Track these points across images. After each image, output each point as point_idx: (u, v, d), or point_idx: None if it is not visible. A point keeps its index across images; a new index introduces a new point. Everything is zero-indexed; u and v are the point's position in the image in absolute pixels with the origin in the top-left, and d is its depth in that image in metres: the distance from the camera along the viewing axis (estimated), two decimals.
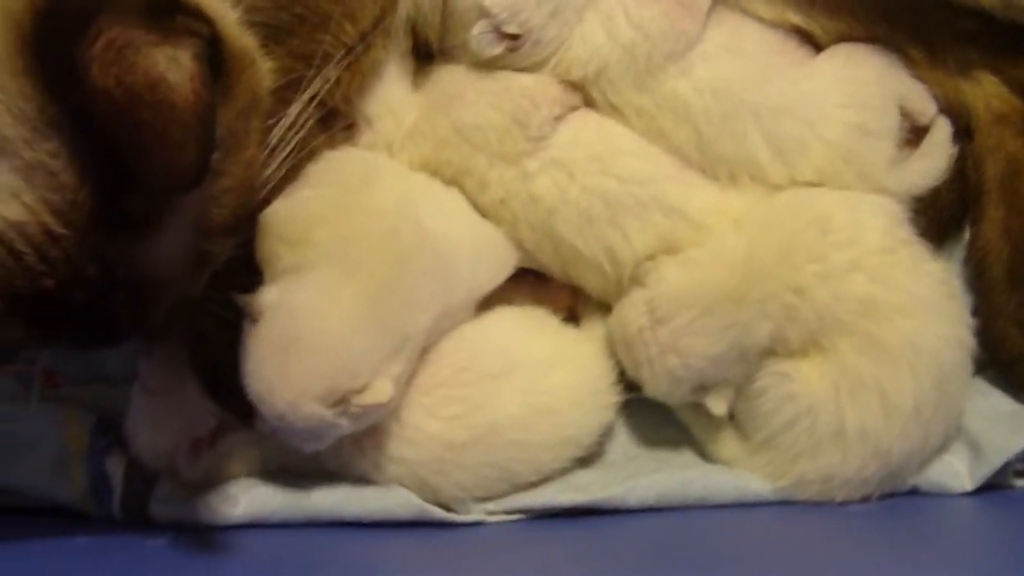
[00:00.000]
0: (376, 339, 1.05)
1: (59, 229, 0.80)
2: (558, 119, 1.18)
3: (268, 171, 1.00)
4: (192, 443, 1.14)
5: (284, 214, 1.11)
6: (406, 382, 1.10)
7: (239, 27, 0.93)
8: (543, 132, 1.17)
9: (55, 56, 0.78)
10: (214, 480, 1.17)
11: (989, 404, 1.21)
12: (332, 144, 1.16)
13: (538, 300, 1.23)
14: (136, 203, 0.82)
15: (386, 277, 1.08)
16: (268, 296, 1.06)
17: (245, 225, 0.95)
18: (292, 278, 1.07)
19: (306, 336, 1.03)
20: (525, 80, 1.19)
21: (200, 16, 0.85)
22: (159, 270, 0.87)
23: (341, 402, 1.03)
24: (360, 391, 1.03)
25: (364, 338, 1.05)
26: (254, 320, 1.05)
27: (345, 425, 1.05)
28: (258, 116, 0.94)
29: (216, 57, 0.84)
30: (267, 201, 1.08)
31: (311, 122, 1.05)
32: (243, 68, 0.90)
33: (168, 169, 0.79)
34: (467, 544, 1.14)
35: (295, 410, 1.02)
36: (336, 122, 1.16)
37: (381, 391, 1.04)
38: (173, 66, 0.77)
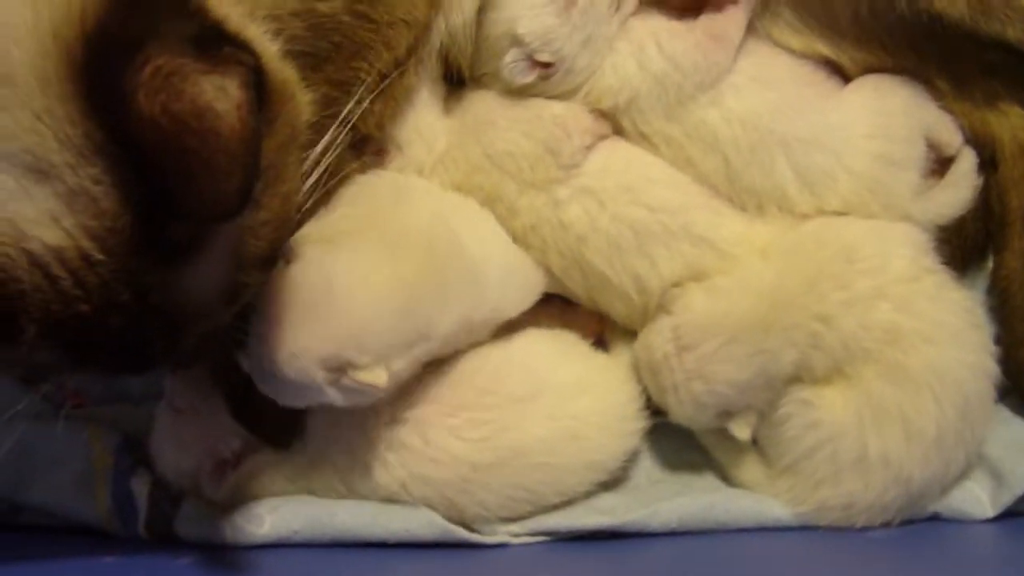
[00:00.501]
0: (396, 325, 1.05)
1: (97, 255, 0.80)
2: (589, 148, 1.18)
3: (300, 196, 1.00)
4: (216, 463, 1.15)
5: (316, 235, 1.11)
6: (402, 381, 1.10)
7: (281, 60, 0.92)
8: (575, 160, 1.17)
9: (103, 82, 0.78)
10: (239, 500, 1.16)
11: (1011, 432, 1.20)
12: (363, 169, 1.17)
13: (567, 325, 1.23)
14: (176, 232, 0.81)
15: (424, 271, 1.08)
16: (308, 250, 1.05)
17: (279, 257, 0.95)
18: (336, 242, 1.07)
19: (333, 298, 1.03)
20: (557, 108, 1.19)
21: (246, 48, 0.85)
22: (194, 299, 0.86)
23: (337, 371, 1.03)
24: (359, 368, 1.03)
25: (386, 320, 1.05)
26: (288, 261, 1.04)
27: (330, 395, 1.04)
28: (297, 149, 0.94)
29: (259, 90, 0.84)
30: (299, 225, 1.08)
31: (343, 148, 1.05)
32: (285, 101, 0.90)
33: (213, 197, 0.78)
34: (492, 566, 1.14)
35: (292, 363, 1.02)
36: (368, 148, 1.16)
37: (378, 375, 1.03)
38: (220, 95, 0.77)
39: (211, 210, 0.80)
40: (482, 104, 1.22)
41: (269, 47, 0.91)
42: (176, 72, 0.77)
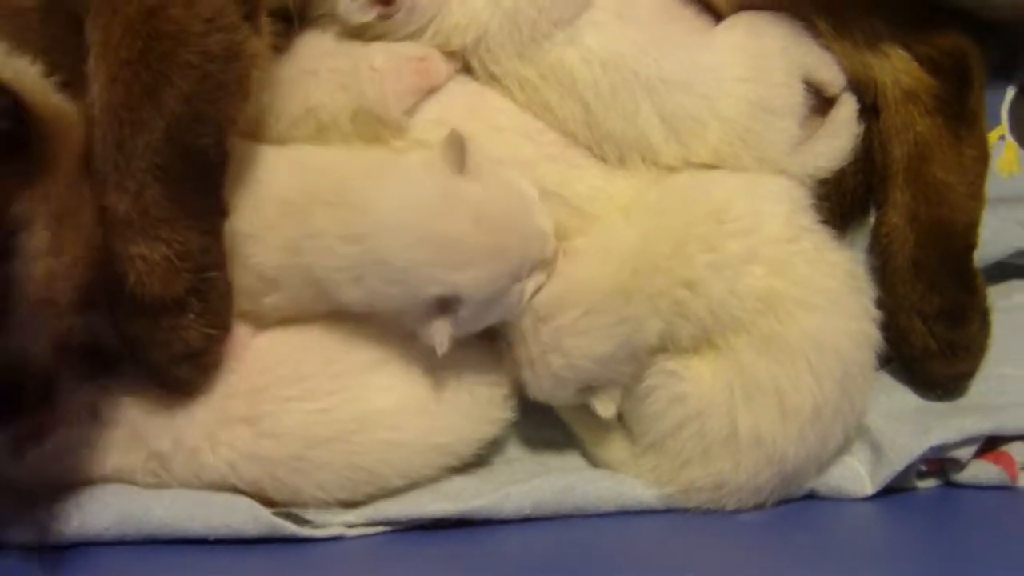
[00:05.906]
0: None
1: None
2: (412, 108, 1.11)
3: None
4: (14, 438, 1.06)
5: None
6: None
7: (44, 85, 0.86)
8: (399, 126, 1.10)
9: None
10: (42, 490, 1.08)
11: (892, 402, 1.18)
12: None
13: None
14: None
15: None
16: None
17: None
18: None
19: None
20: (377, 58, 1.11)
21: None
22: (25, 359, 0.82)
23: None
24: None
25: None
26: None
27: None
28: (86, 176, 0.87)
29: (26, 130, 0.79)
30: None
31: None
32: (62, 135, 0.84)
33: None
34: (324, 562, 1.08)
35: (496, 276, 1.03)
36: None
37: None
38: None
39: None
40: (309, 51, 1.14)
41: (27, 72, 0.85)
42: None
